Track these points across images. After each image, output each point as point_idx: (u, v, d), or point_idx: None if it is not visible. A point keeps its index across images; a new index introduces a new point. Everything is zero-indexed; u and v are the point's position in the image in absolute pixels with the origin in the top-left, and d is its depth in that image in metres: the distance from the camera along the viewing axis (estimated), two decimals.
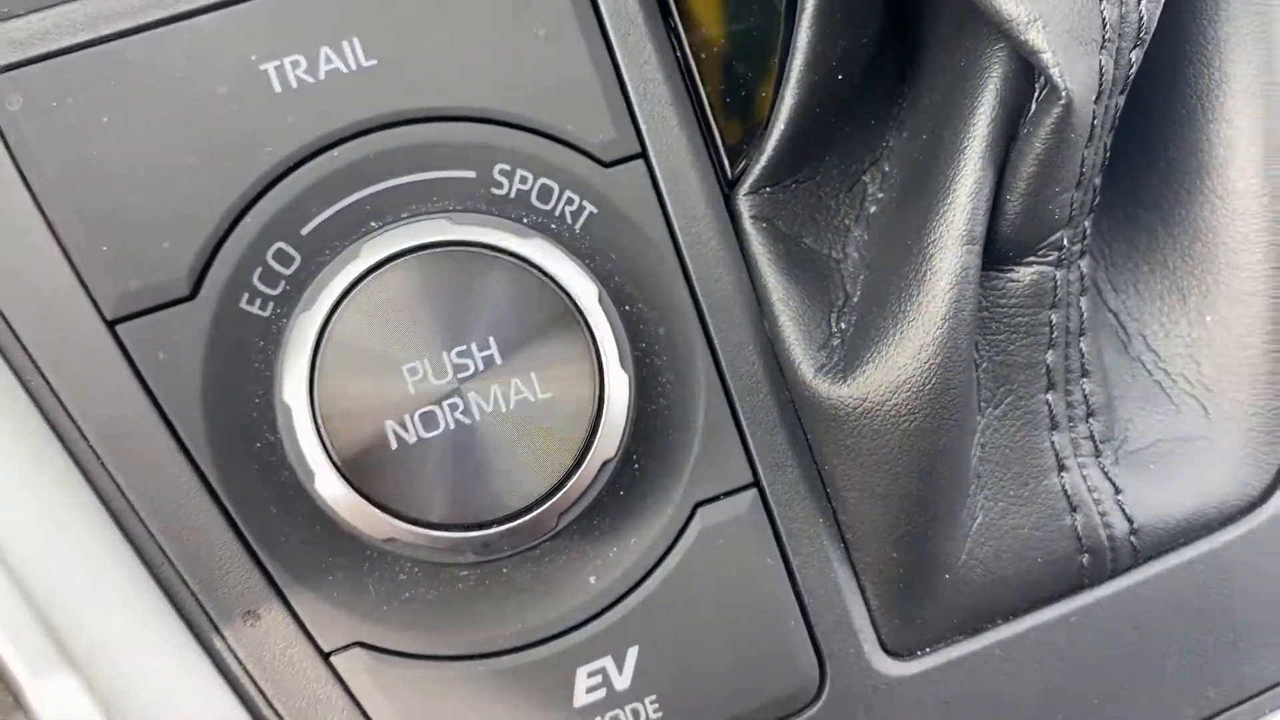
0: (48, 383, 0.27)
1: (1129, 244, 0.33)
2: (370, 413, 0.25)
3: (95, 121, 0.27)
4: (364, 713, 0.28)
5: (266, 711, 0.28)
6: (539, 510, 0.26)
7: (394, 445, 0.25)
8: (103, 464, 0.27)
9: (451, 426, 0.25)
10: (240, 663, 0.28)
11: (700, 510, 0.29)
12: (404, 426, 0.25)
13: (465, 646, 0.28)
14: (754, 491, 0.29)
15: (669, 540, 0.29)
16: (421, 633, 0.28)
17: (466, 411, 0.25)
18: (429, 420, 0.25)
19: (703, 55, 0.29)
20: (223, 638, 0.28)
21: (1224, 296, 0.32)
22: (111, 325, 0.27)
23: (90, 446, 0.27)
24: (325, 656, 0.28)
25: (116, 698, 0.26)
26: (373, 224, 0.28)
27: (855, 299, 0.29)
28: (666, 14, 0.29)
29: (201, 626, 0.28)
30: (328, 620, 0.28)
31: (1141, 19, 0.26)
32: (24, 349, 0.27)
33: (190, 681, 0.27)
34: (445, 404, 0.25)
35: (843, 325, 0.29)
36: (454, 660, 0.28)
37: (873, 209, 0.31)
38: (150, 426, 0.27)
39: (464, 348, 0.26)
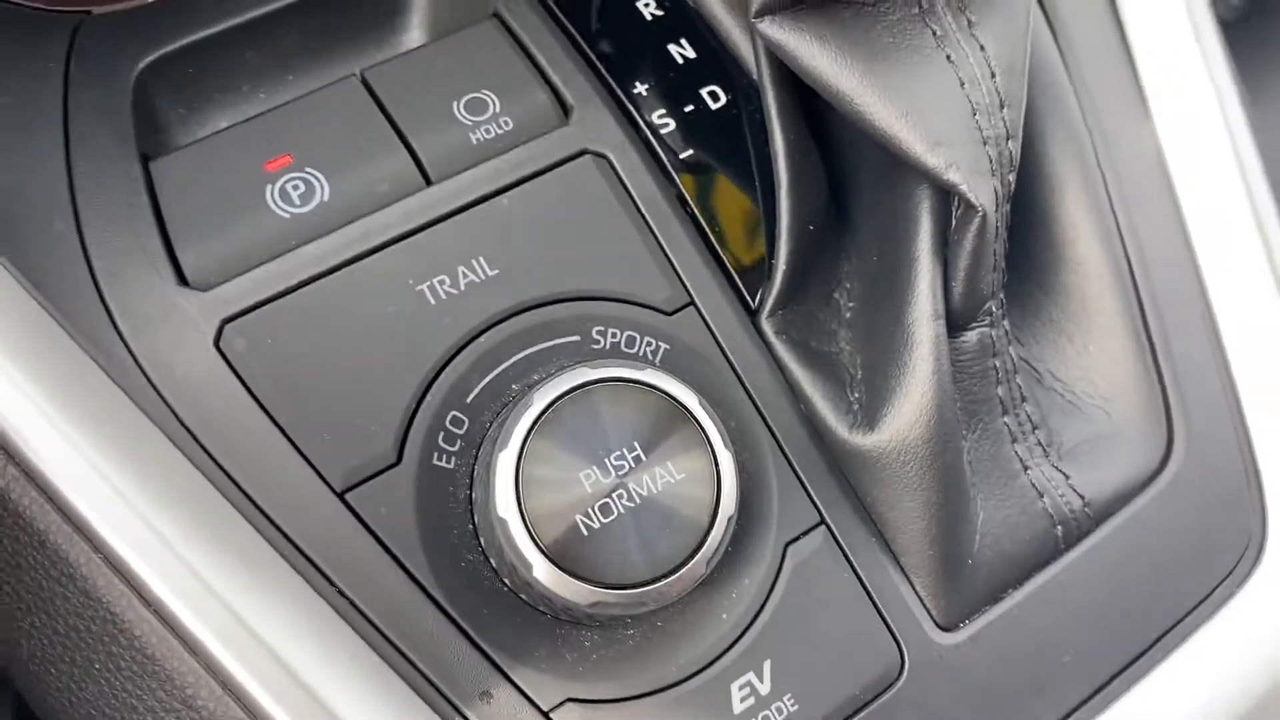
0: (300, 550, 0.35)
1: (1021, 308, 0.46)
2: (564, 512, 0.34)
3: (302, 347, 0.36)
4: None
5: None
6: (693, 561, 0.35)
7: (585, 532, 0.34)
8: (352, 602, 0.35)
9: (623, 511, 0.35)
10: None
11: (789, 549, 0.39)
12: (589, 516, 0.35)
13: (646, 686, 0.37)
14: (823, 528, 0.39)
15: (773, 575, 0.38)
16: (612, 682, 0.36)
17: (630, 498, 0.35)
18: (605, 509, 0.35)
19: (715, 225, 0.41)
20: (465, 717, 0.35)
21: (1096, 333, 0.45)
22: (341, 495, 0.36)
23: (340, 590, 0.35)
24: (546, 715, 0.36)
25: None
26: (513, 387, 0.38)
27: (859, 376, 0.41)
28: (684, 201, 0.41)
29: (446, 711, 0.35)
30: (542, 686, 0.36)
31: (1012, 155, 0.39)
32: (276, 526, 0.35)
33: None
34: (614, 495, 0.35)
35: (857, 394, 0.40)
36: (641, 698, 0.37)
37: (848, 315, 0.43)
38: (385, 565, 0.36)
39: (619, 453, 0.35)
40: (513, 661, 0.36)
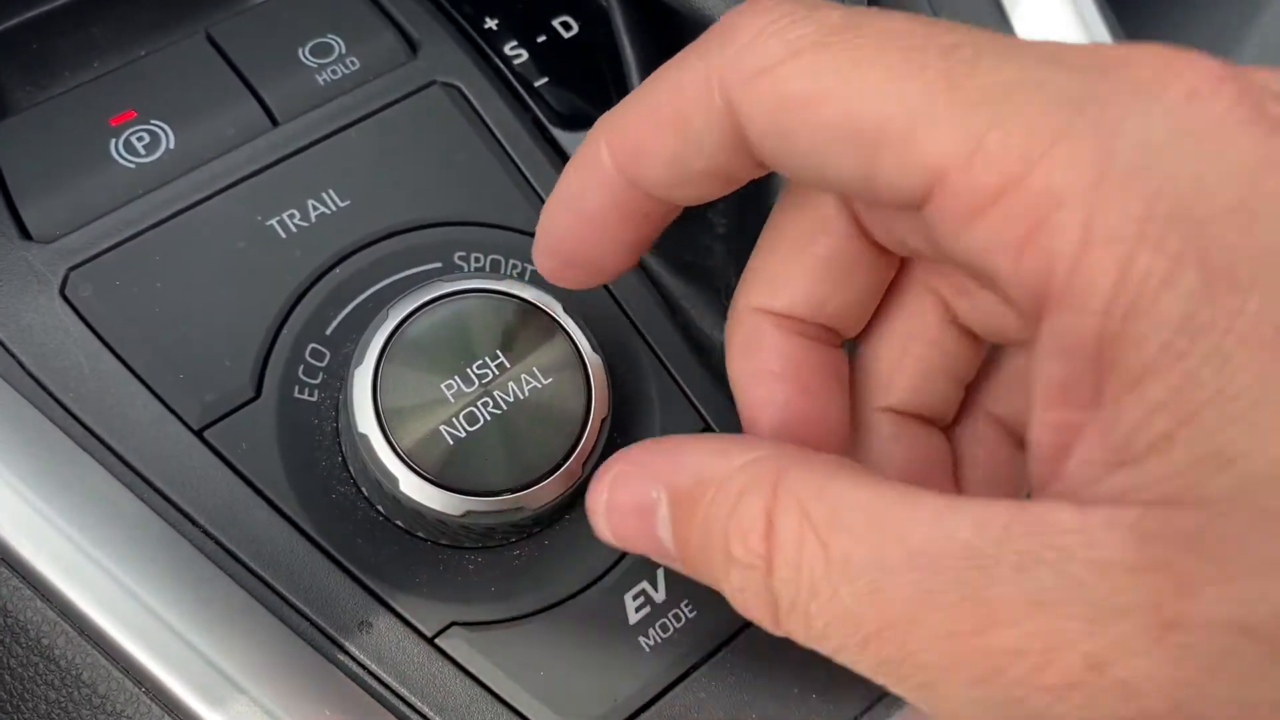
0: (160, 491, 0.34)
1: None
2: (426, 423, 0.33)
3: (150, 288, 0.36)
4: (472, 676, 0.34)
5: (394, 700, 0.34)
6: (567, 463, 0.34)
7: (451, 441, 0.33)
8: (217, 541, 0.34)
9: (489, 418, 0.34)
10: (364, 665, 0.34)
11: None
12: (453, 425, 0.34)
13: (535, 604, 0.35)
14: (709, 430, 0.39)
15: None
16: (500, 603, 0.35)
17: (496, 405, 0.34)
18: (471, 418, 0.34)
19: (574, 148, 0.41)
20: (345, 650, 0.34)
21: None
22: (199, 433, 0.35)
23: (204, 529, 0.34)
24: (430, 641, 0.34)
25: (279, 710, 0.32)
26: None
27: (733, 281, 0.40)
28: (541, 127, 0.41)
29: (326, 646, 0.34)
30: (424, 612, 0.35)
31: None
32: (133, 469, 0.34)
33: (328, 688, 0.33)
34: (479, 403, 0.34)
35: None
36: (529, 617, 0.35)
37: (721, 230, 0.42)
38: (250, 502, 0.34)
39: (481, 361, 0.34)
40: (392, 590, 0.35)
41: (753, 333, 0.31)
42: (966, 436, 0.34)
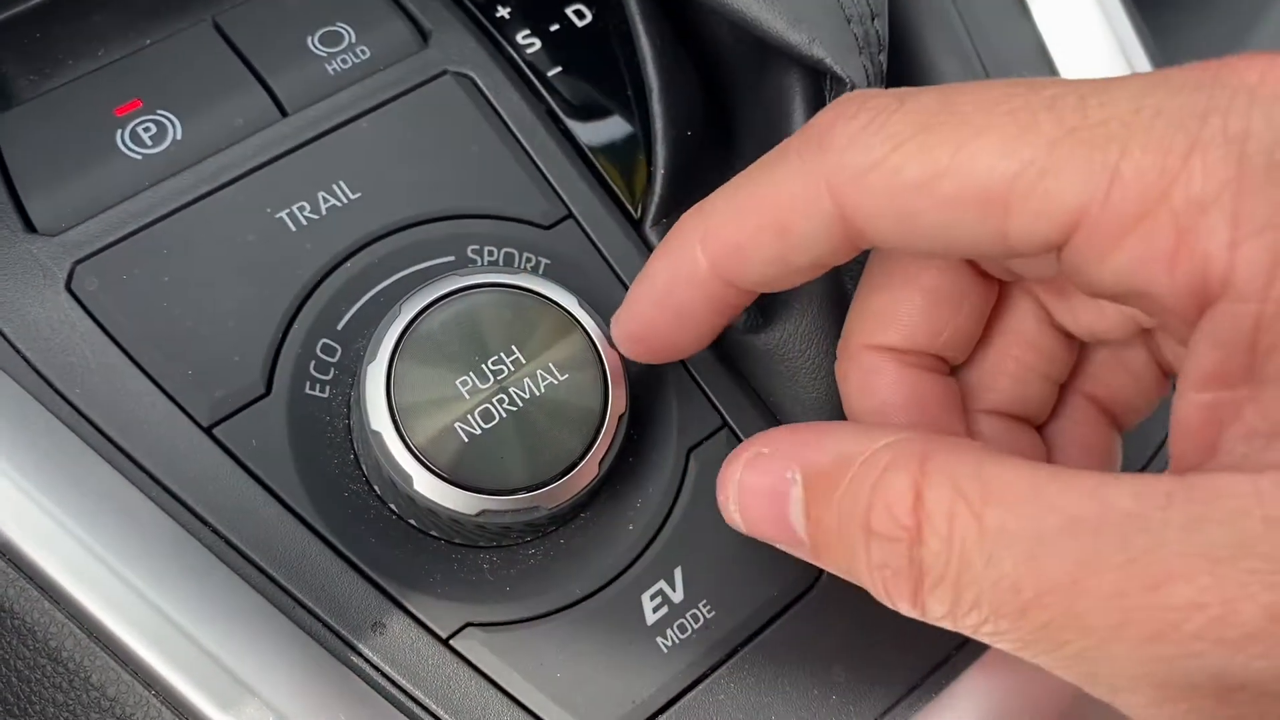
0: (168, 490, 0.33)
1: None
2: (440, 420, 0.33)
3: (158, 282, 0.35)
4: (487, 678, 0.34)
5: (407, 703, 0.33)
6: (584, 461, 0.34)
7: (466, 439, 0.33)
8: (228, 540, 0.33)
9: (504, 415, 0.33)
10: (376, 667, 0.33)
11: (692, 454, 0.37)
12: (468, 423, 0.33)
13: (551, 605, 0.35)
14: (726, 430, 0.38)
15: (677, 481, 0.37)
16: (515, 603, 0.35)
17: (512, 402, 0.33)
18: (486, 415, 0.33)
19: (590, 138, 0.40)
20: (358, 651, 0.33)
21: None
22: (209, 430, 0.34)
23: (214, 528, 0.33)
24: (445, 642, 0.34)
25: (291, 713, 0.32)
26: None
27: None
28: (555, 117, 0.40)
29: (338, 648, 0.33)
30: (438, 613, 0.34)
31: (879, 34, 0.38)
32: (141, 468, 0.33)
33: (341, 691, 0.33)
34: (494, 400, 0.33)
35: None
36: (545, 618, 0.35)
37: None
38: (261, 500, 0.34)
39: (496, 357, 0.34)
40: (406, 590, 0.34)
41: (870, 371, 0.32)
42: (1060, 430, 0.35)
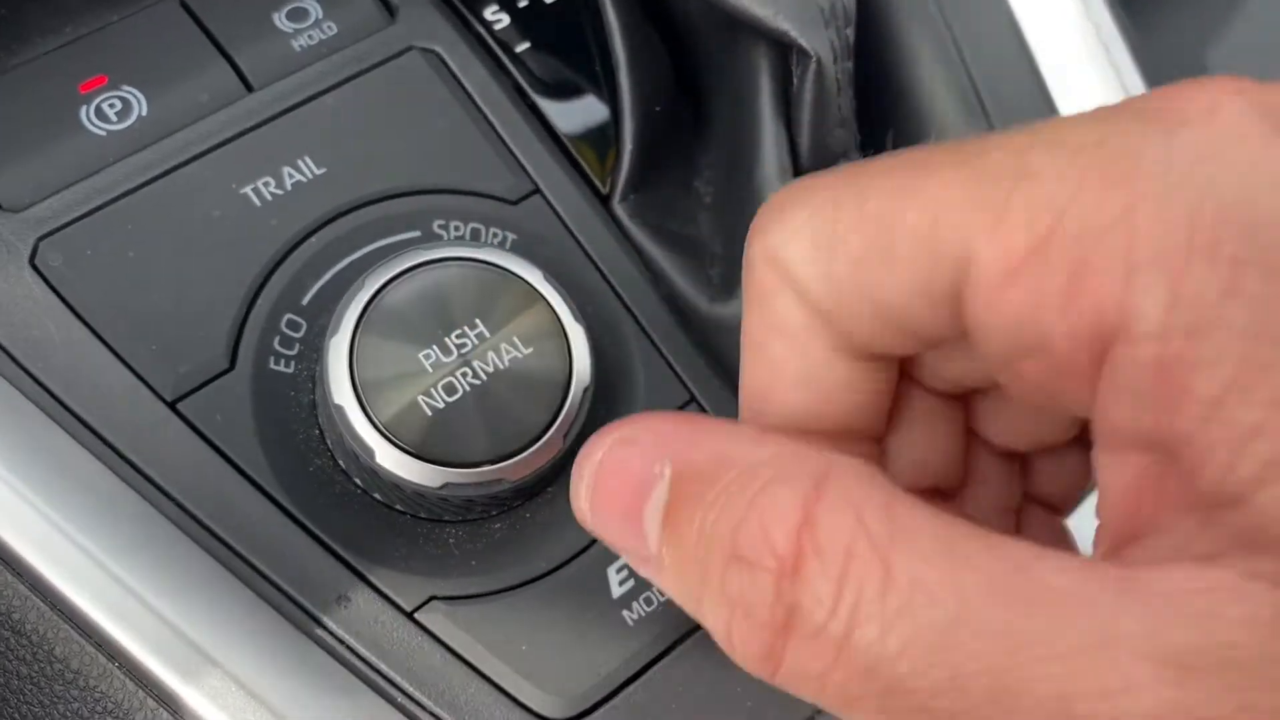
0: (132, 464, 0.33)
1: None
2: (403, 393, 0.33)
3: (122, 258, 0.35)
4: (452, 651, 0.34)
5: (372, 675, 0.33)
6: (548, 434, 0.34)
7: (429, 412, 0.33)
8: (191, 514, 0.33)
9: (468, 388, 0.33)
10: (341, 640, 0.33)
11: None
12: (431, 396, 0.33)
13: (516, 579, 0.35)
14: (694, 404, 0.38)
15: None
16: (480, 577, 0.35)
17: (475, 375, 0.33)
18: (449, 388, 0.33)
19: (558, 116, 0.40)
20: (322, 624, 0.33)
21: None
22: (172, 405, 0.34)
23: (178, 502, 0.33)
24: (409, 615, 0.34)
25: (254, 684, 0.32)
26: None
27: (720, 252, 0.40)
28: (523, 93, 0.40)
29: (302, 620, 0.33)
30: (403, 586, 0.34)
31: (845, 8, 0.38)
32: (103, 440, 0.33)
33: (304, 663, 0.33)
34: (457, 373, 0.33)
35: (717, 268, 0.39)
36: (510, 591, 0.35)
37: (707, 200, 0.42)
38: (225, 474, 0.34)
39: (460, 330, 0.34)
40: (370, 564, 0.34)
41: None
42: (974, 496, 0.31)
